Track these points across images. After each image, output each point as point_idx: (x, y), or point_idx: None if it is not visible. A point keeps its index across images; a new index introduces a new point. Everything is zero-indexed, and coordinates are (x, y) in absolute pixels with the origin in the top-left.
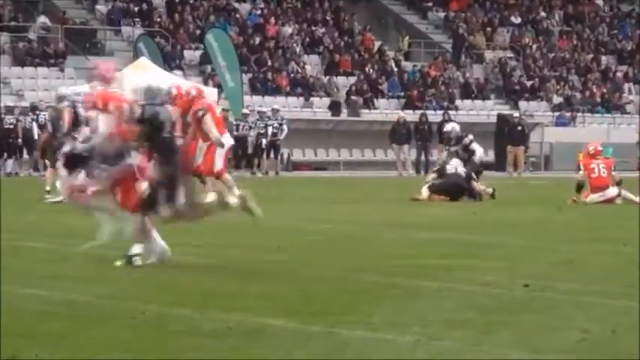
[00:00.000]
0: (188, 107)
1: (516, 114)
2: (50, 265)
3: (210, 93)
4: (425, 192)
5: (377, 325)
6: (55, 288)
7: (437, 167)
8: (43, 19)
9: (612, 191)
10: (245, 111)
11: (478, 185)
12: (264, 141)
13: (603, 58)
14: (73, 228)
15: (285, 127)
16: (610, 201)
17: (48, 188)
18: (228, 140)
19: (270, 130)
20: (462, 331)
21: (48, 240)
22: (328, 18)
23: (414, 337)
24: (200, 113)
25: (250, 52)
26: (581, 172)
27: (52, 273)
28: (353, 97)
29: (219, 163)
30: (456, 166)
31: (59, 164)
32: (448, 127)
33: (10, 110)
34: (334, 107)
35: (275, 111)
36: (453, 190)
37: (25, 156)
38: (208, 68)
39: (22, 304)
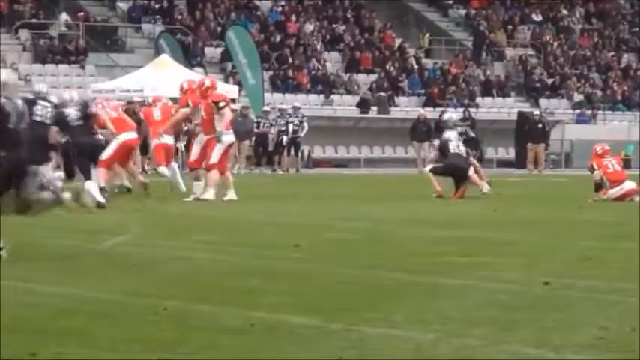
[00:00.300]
0: (202, 98)
1: (537, 111)
2: (73, 261)
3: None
4: (426, 171)
5: (398, 323)
6: (77, 285)
7: (439, 144)
8: (65, 17)
9: (630, 184)
10: (265, 108)
11: (474, 175)
12: (284, 138)
13: (624, 55)
14: (95, 224)
15: (305, 124)
16: (628, 195)
17: None
18: (228, 138)
19: (290, 127)
20: (483, 329)
21: (70, 236)
22: (349, 15)
23: (435, 335)
24: (222, 104)
25: (271, 49)
26: (596, 172)
27: (75, 269)
28: (382, 94)
29: (214, 158)
30: (458, 144)
31: None
32: (446, 116)
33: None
34: (363, 104)
35: (296, 108)
36: (456, 172)
37: None
38: (229, 65)
39: (44, 300)
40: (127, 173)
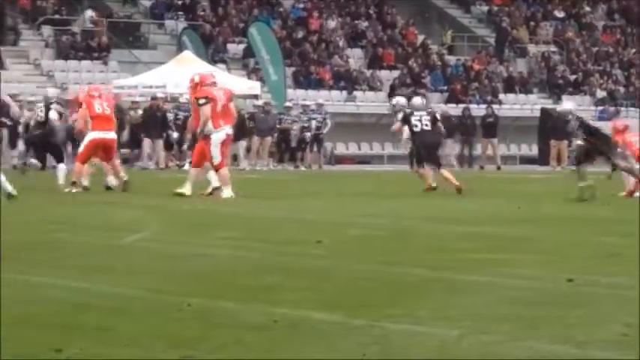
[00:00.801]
0: (192, 94)
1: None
2: (95, 257)
3: (252, 86)
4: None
5: (421, 319)
6: (99, 281)
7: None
8: (90, 13)
9: None
10: (288, 104)
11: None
12: (307, 135)
13: None
14: (116, 220)
15: (328, 121)
16: None
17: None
18: (218, 135)
19: (313, 123)
20: (507, 325)
21: (92, 232)
22: (371, 12)
23: (458, 331)
24: (201, 101)
25: (293, 45)
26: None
27: (97, 265)
28: (423, 92)
29: (216, 156)
30: (420, 117)
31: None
32: (393, 100)
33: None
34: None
35: (319, 105)
36: (429, 148)
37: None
38: (251, 62)
39: (66, 296)
40: (111, 170)
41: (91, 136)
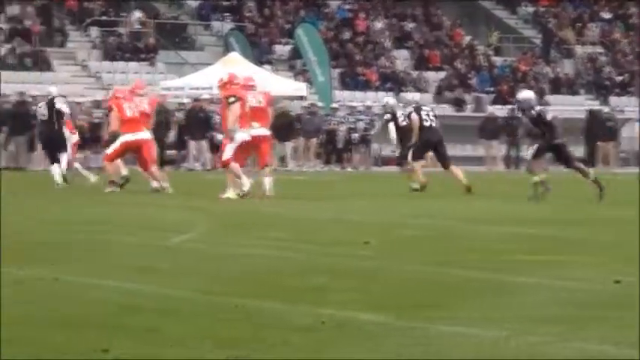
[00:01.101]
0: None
1: (606, 109)
2: (141, 258)
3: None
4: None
5: (466, 320)
6: (146, 281)
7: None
8: (138, 15)
9: None
10: (334, 105)
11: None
12: (354, 136)
13: None
14: (163, 221)
15: (376, 122)
16: None
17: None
18: (241, 135)
19: (361, 125)
20: (551, 327)
21: (139, 233)
22: (418, 13)
23: (501, 332)
24: (231, 100)
25: (340, 46)
26: None
27: (144, 266)
28: (480, 95)
29: (227, 154)
30: (428, 113)
31: None
32: (383, 100)
33: (99, 104)
34: (458, 103)
35: (367, 107)
36: (441, 148)
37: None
38: (298, 63)
39: (112, 297)
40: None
41: (123, 139)
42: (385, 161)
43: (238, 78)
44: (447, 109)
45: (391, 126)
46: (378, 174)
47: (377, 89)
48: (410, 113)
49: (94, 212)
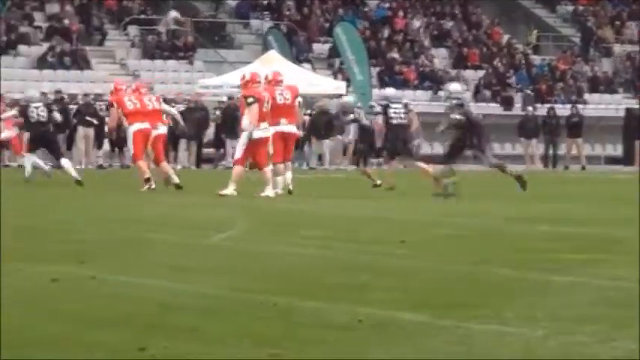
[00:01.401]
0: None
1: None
2: (181, 256)
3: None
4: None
5: (507, 320)
6: (184, 280)
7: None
8: (174, 14)
9: None
10: (373, 104)
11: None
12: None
13: None
14: (201, 220)
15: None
16: None
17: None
18: (259, 133)
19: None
20: (594, 326)
21: (177, 232)
22: (457, 11)
23: (544, 332)
24: (250, 100)
25: (378, 45)
26: None
27: (183, 265)
28: (527, 92)
29: (238, 152)
30: (396, 110)
31: None
32: (343, 99)
33: None
34: (506, 102)
35: (405, 106)
36: (408, 145)
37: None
38: (337, 62)
39: (150, 295)
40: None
41: (132, 130)
42: (424, 159)
43: (260, 77)
44: (487, 108)
45: (352, 127)
46: (416, 172)
47: (415, 88)
48: (377, 114)
49: (131, 210)
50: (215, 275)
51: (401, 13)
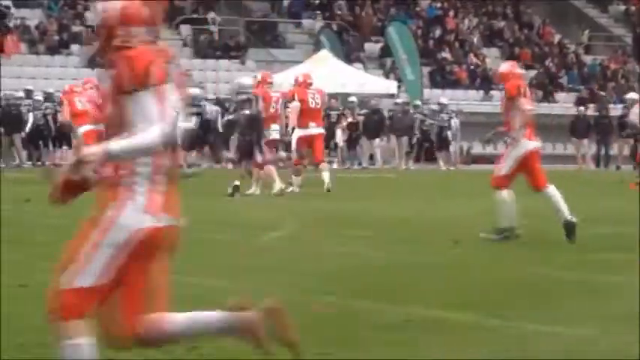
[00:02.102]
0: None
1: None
2: (234, 256)
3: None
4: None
5: (558, 320)
6: (238, 279)
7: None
8: (212, 15)
9: None
10: (424, 103)
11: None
12: (447, 134)
13: None
14: (251, 220)
15: (452, 121)
16: None
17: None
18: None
19: (452, 122)
20: None
21: (229, 231)
22: (508, 11)
23: (595, 332)
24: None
25: (430, 45)
26: None
27: (234, 264)
28: (601, 93)
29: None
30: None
31: None
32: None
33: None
34: (581, 102)
35: (457, 105)
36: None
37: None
38: (388, 61)
39: (205, 295)
40: None
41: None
42: (474, 159)
43: (272, 77)
44: (538, 108)
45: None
46: (468, 172)
47: (467, 87)
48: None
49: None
50: (268, 274)
51: (452, 13)
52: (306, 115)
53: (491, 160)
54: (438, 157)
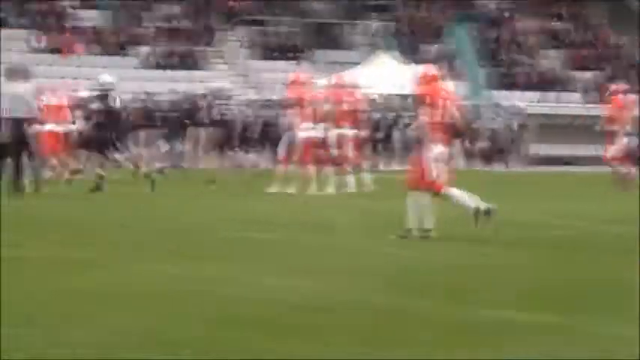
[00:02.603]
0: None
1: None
2: (292, 257)
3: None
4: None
5: (625, 321)
6: (291, 278)
7: None
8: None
9: None
10: (484, 105)
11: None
12: (506, 135)
13: None
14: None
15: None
16: None
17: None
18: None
19: (513, 124)
20: None
21: (278, 230)
22: (567, 13)
23: None
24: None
25: (490, 46)
26: None
27: (297, 265)
28: None
29: (279, 151)
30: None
31: None
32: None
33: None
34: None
35: (516, 106)
36: None
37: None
38: (446, 62)
39: (265, 296)
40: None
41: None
42: (532, 161)
43: (303, 78)
44: (597, 109)
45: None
46: (525, 174)
47: (526, 89)
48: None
49: (225, 209)
50: (326, 275)
51: (511, 15)
52: (339, 116)
53: (556, 161)
54: (499, 158)
